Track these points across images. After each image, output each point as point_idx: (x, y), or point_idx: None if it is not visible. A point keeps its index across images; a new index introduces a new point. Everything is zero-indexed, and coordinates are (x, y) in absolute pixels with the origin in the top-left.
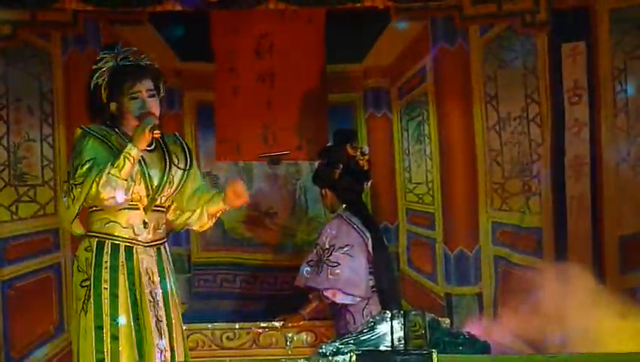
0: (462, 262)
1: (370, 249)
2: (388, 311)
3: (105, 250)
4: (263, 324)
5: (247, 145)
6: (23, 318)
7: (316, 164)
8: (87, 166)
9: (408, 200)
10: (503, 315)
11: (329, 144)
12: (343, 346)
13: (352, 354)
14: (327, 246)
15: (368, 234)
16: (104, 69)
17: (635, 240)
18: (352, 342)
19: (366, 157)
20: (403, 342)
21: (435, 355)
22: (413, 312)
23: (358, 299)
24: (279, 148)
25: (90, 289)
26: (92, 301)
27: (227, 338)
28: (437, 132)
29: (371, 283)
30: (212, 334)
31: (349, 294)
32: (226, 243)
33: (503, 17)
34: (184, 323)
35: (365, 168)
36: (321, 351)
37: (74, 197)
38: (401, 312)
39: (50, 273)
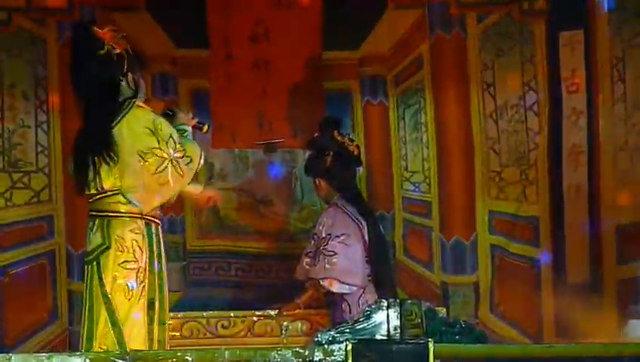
0: (458, 250)
1: (366, 237)
2: (384, 300)
3: (150, 233)
4: (258, 313)
5: (243, 133)
6: (17, 306)
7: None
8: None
9: (405, 188)
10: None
11: (315, 134)
12: (338, 335)
13: (347, 342)
14: (323, 236)
15: (364, 223)
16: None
17: (632, 230)
18: (347, 330)
19: (354, 142)
20: (399, 331)
21: (431, 344)
22: (409, 301)
23: (355, 288)
24: (275, 135)
25: (139, 273)
26: (146, 285)
27: (222, 326)
28: (434, 120)
29: (367, 271)
30: (207, 322)
31: (345, 283)
32: (221, 232)
33: (501, 5)
34: (179, 311)
35: (355, 153)
36: (316, 339)
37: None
38: (398, 301)
39: (45, 260)
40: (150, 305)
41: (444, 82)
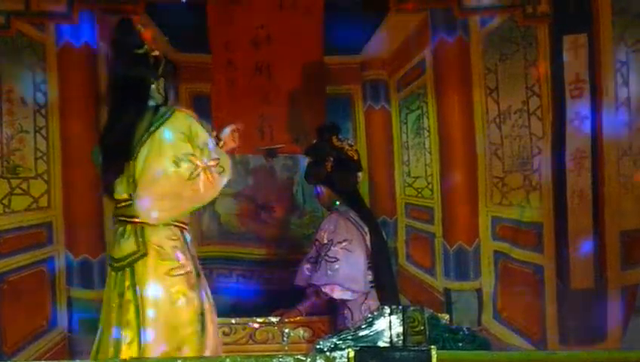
0: (461, 257)
1: (368, 243)
2: (387, 307)
3: (186, 238)
4: (259, 319)
5: (244, 138)
6: (16, 312)
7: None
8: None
9: (407, 194)
10: (503, 310)
11: (314, 141)
12: (340, 342)
13: (350, 350)
14: (325, 242)
15: (366, 229)
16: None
17: (636, 235)
18: (350, 337)
19: (354, 147)
20: (402, 337)
21: (434, 351)
22: (412, 308)
23: (357, 294)
24: (276, 140)
25: (187, 278)
26: (196, 291)
27: (223, 333)
28: (436, 125)
29: (369, 278)
30: None
31: (347, 289)
32: (222, 238)
33: (504, 9)
34: None
35: (355, 158)
36: (318, 346)
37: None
38: (400, 308)
39: (44, 267)
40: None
41: (446, 87)
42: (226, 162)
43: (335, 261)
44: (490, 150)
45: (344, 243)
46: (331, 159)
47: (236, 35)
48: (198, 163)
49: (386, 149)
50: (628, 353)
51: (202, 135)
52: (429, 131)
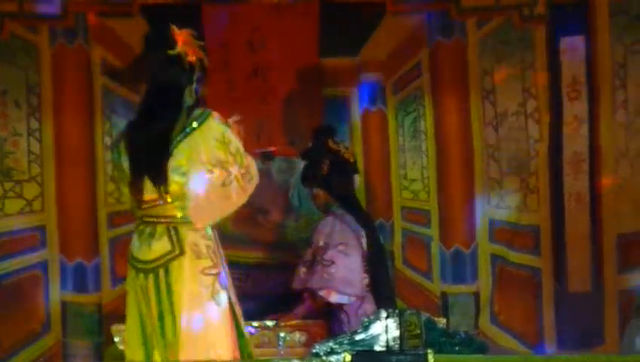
0: (458, 260)
1: (364, 246)
2: (383, 311)
3: (217, 239)
4: (255, 323)
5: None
6: (10, 317)
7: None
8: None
9: (404, 197)
10: (500, 314)
11: (309, 144)
12: (337, 346)
13: (346, 354)
14: (321, 245)
15: (363, 232)
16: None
17: (633, 239)
18: (346, 341)
19: (350, 150)
20: (398, 341)
21: (430, 355)
22: (408, 311)
23: (353, 298)
24: (273, 143)
25: (219, 279)
26: (226, 292)
27: None
28: (433, 127)
29: (366, 281)
30: None
31: (344, 293)
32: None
33: (501, 10)
34: None
35: (351, 161)
36: (314, 350)
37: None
38: (397, 311)
39: (38, 271)
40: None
41: (443, 89)
42: (255, 169)
43: (331, 264)
44: (487, 152)
45: (340, 247)
46: (327, 162)
47: (233, 38)
48: (231, 170)
49: (382, 152)
50: (626, 357)
51: (234, 141)
52: (425, 134)
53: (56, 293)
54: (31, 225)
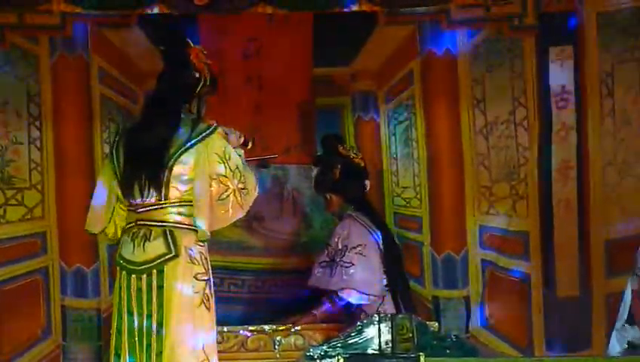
0: (449, 265)
1: (381, 248)
2: (375, 315)
3: (206, 247)
4: (251, 327)
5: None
6: (11, 322)
7: (301, 168)
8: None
9: (396, 204)
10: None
11: (319, 152)
12: (330, 349)
13: (339, 357)
14: (339, 248)
15: (379, 233)
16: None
17: (621, 244)
18: (339, 345)
19: (360, 155)
20: (390, 345)
21: (422, 358)
22: (400, 316)
23: (373, 298)
24: (267, 151)
25: (208, 285)
26: (213, 300)
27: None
28: (424, 136)
29: (385, 282)
30: None
31: (364, 293)
32: (213, 247)
33: (491, 21)
34: None
35: (362, 165)
36: (308, 354)
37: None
38: (389, 315)
39: (38, 276)
40: None
41: (434, 98)
42: (253, 184)
43: (350, 266)
44: (477, 160)
45: (358, 248)
46: (339, 166)
47: (227, 47)
48: (229, 184)
49: (375, 160)
50: (612, 359)
51: (234, 158)
52: (417, 142)
53: (56, 299)
54: (32, 232)
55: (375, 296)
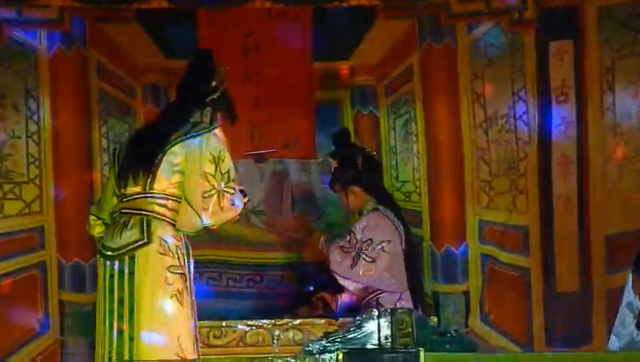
0: (449, 260)
1: (403, 244)
2: (375, 309)
3: (187, 245)
4: (249, 322)
5: (234, 143)
6: (8, 316)
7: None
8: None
9: (395, 198)
10: (490, 313)
11: (333, 148)
12: (329, 344)
13: (338, 352)
14: (365, 239)
15: (402, 228)
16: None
17: (621, 239)
18: (338, 339)
19: (371, 149)
20: (390, 340)
21: (422, 353)
22: (400, 310)
23: (395, 286)
24: (266, 146)
25: (184, 279)
26: (188, 290)
27: (214, 336)
28: (424, 130)
29: (405, 277)
30: (198, 332)
31: (380, 289)
32: (212, 242)
33: (491, 15)
34: None
35: (376, 158)
36: (307, 349)
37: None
38: (388, 310)
39: (36, 271)
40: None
41: (434, 92)
42: (241, 197)
43: (372, 262)
44: (477, 155)
45: (383, 244)
46: (360, 158)
47: (226, 42)
48: (215, 184)
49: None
50: (612, 355)
51: (227, 162)
52: (416, 136)
53: (54, 293)
54: (29, 227)
55: (395, 291)
